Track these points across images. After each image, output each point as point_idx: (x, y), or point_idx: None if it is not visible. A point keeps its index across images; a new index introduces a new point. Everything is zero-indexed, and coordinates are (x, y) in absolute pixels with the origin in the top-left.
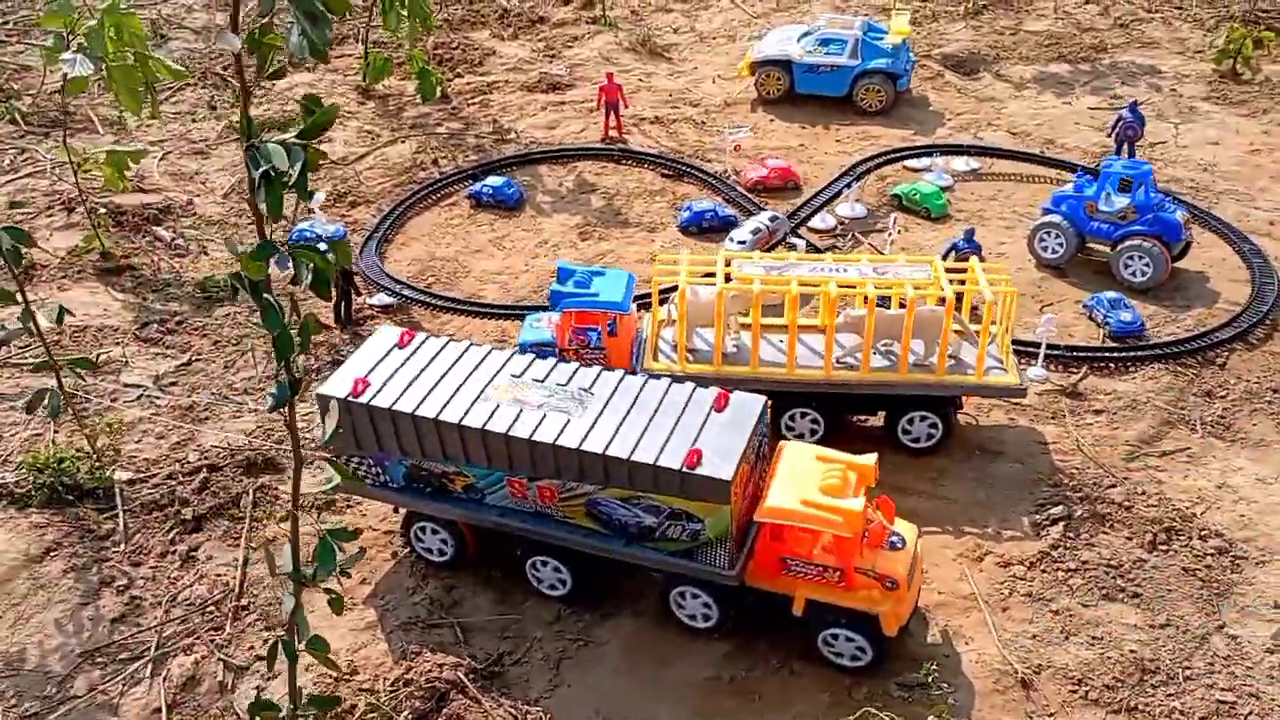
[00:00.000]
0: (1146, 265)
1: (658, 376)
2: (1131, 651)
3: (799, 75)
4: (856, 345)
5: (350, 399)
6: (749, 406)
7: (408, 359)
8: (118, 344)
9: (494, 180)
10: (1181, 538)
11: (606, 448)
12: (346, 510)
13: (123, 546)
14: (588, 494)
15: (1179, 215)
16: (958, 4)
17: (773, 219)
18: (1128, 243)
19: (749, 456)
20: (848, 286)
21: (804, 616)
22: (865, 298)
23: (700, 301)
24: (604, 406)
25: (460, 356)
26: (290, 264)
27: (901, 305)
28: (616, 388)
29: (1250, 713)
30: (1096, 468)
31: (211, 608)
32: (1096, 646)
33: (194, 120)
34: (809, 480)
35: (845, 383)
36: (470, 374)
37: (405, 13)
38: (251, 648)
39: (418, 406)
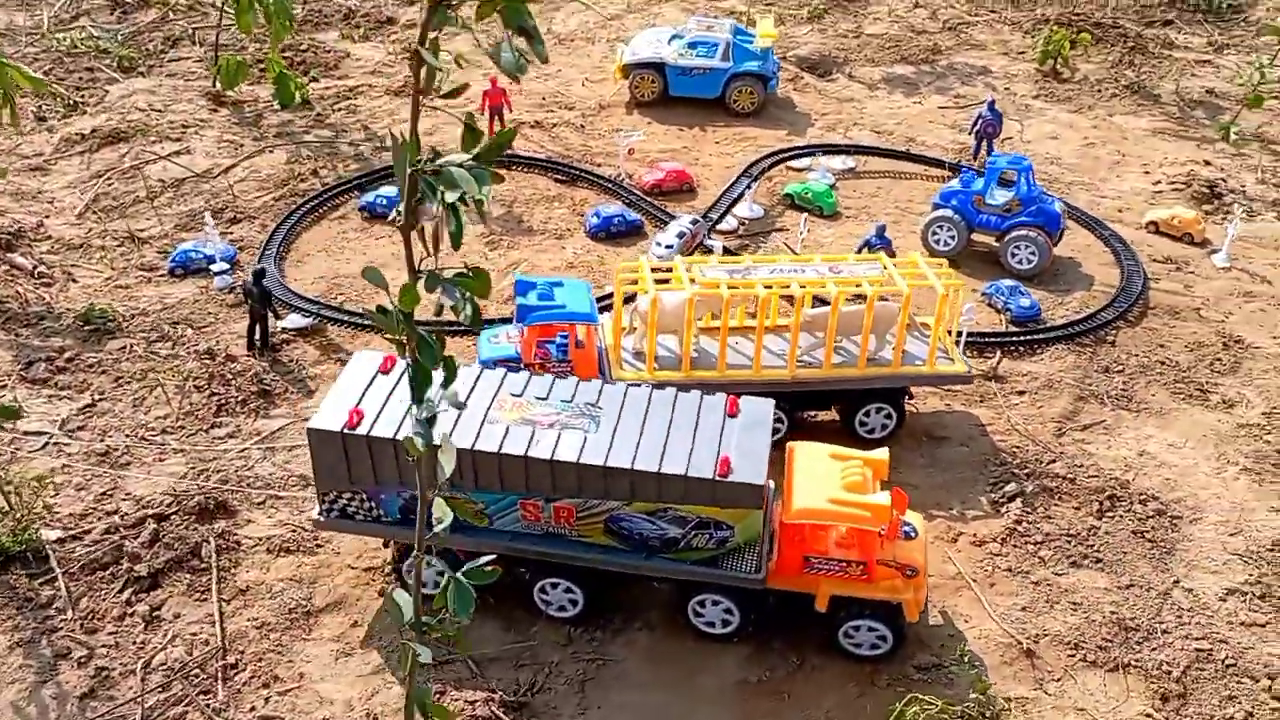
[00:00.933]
0: (1032, 253)
1: (638, 385)
2: (1111, 613)
3: (672, 78)
4: (814, 344)
5: (346, 431)
6: (761, 410)
7: (396, 385)
8: (1, 387)
9: (388, 190)
10: (1123, 504)
11: (633, 462)
12: (318, 549)
13: (70, 614)
14: (609, 510)
15: (1058, 206)
16: (799, 8)
17: (693, 222)
18: (1015, 233)
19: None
20: (814, 286)
21: (827, 612)
22: (820, 298)
23: (667, 308)
24: (617, 420)
25: (465, 379)
26: (455, 294)
27: (860, 300)
28: (624, 401)
29: (1225, 657)
30: (1035, 445)
31: (196, 670)
32: (1079, 612)
33: (21, 134)
34: (829, 479)
35: (809, 381)
36: (468, 396)
37: (267, 12)
38: (253, 708)
39: (430, 436)
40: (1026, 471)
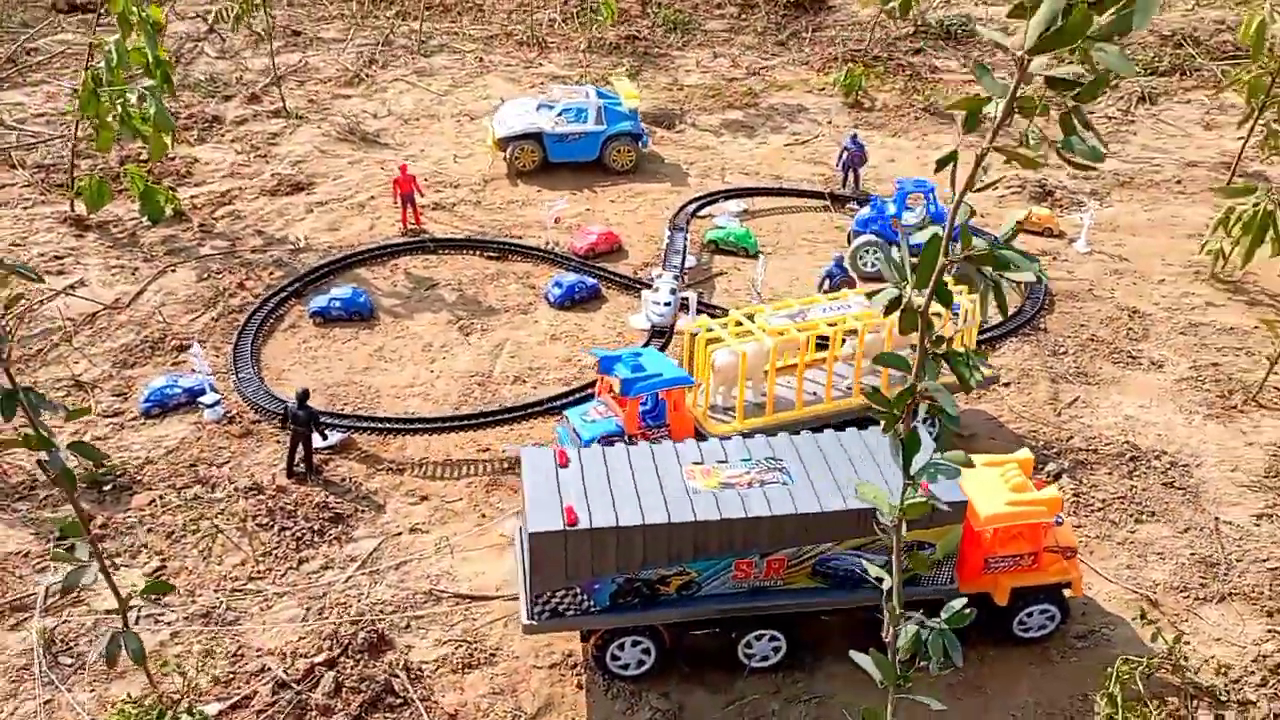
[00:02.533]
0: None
1: (747, 435)
2: (1191, 554)
3: (551, 145)
4: (867, 370)
5: (569, 529)
6: (922, 434)
7: (583, 475)
8: (42, 569)
9: (339, 291)
10: (1142, 463)
11: (845, 503)
12: (496, 658)
13: None
14: (820, 554)
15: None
16: (615, 67)
17: (675, 278)
18: None
19: None
20: (867, 319)
21: (1006, 605)
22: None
23: (734, 360)
24: (805, 469)
25: (631, 460)
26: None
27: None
28: (796, 450)
29: None
30: (1045, 426)
31: None
32: (1168, 559)
33: None
34: (995, 485)
35: (860, 408)
36: (658, 472)
37: (133, 128)
38: None
39: (644, 516)
40: (1054, 450)
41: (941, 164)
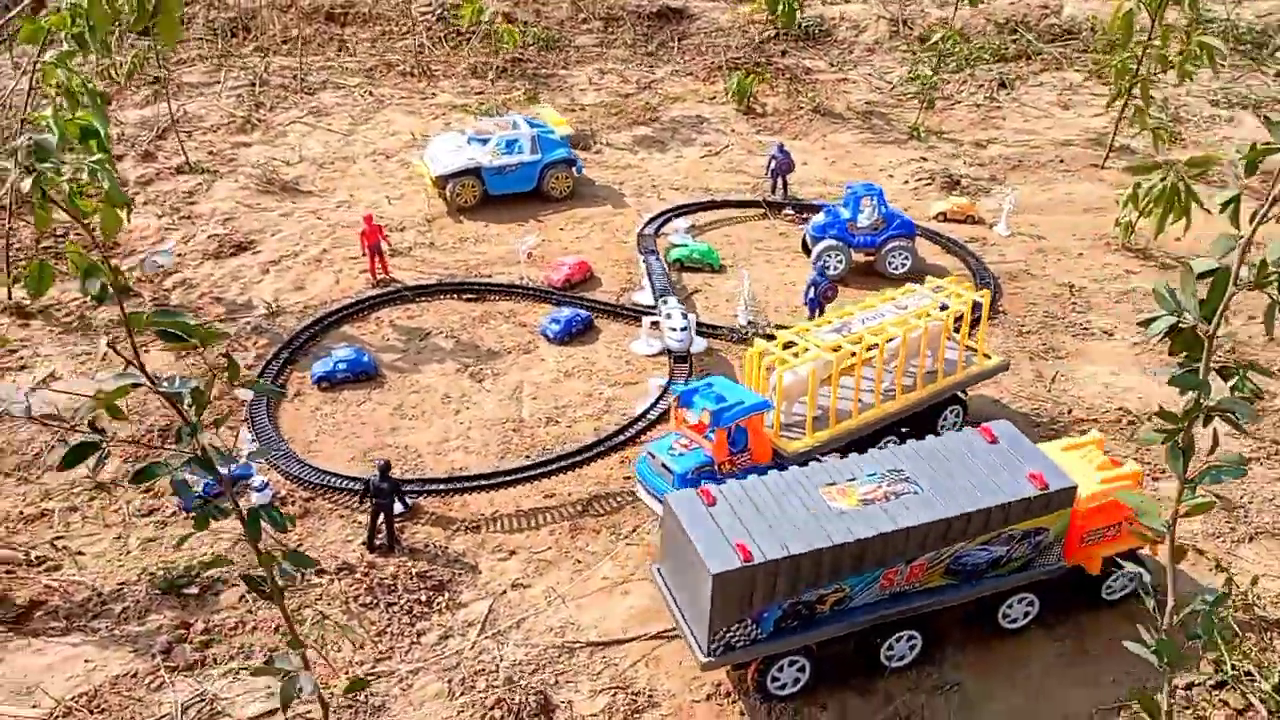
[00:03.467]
0: (906, 258)
1: (819, 448)
2: (1241, 497)
3: (490, 179)
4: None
5: (746, 566)
6: (1008, 430)
7: (735, 510)
8: (158, 687)
9: (342, 353)
10: (1139, 425)
11: (977, 503)
12: (654, 701)
13: None
14: (954, 552)
15: (907, 216)
16: (508, 91)
17: (681, 302)
18: (890, 245)
19: None
20: (901, 324)
21: (1099, 574)
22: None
23: (802, 377)
24: (929, 475)
25: (768, 489)
26: None
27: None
28: (913, 458)
29: None
30: (1048, 403)
31: None
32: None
33: None
34: (1083, 466)
35: (913, 403)
36: (800, 498)
37: (73, 206)
38: None
39: (810, 542)
40: (1065, 422)
41: (1225, 205)
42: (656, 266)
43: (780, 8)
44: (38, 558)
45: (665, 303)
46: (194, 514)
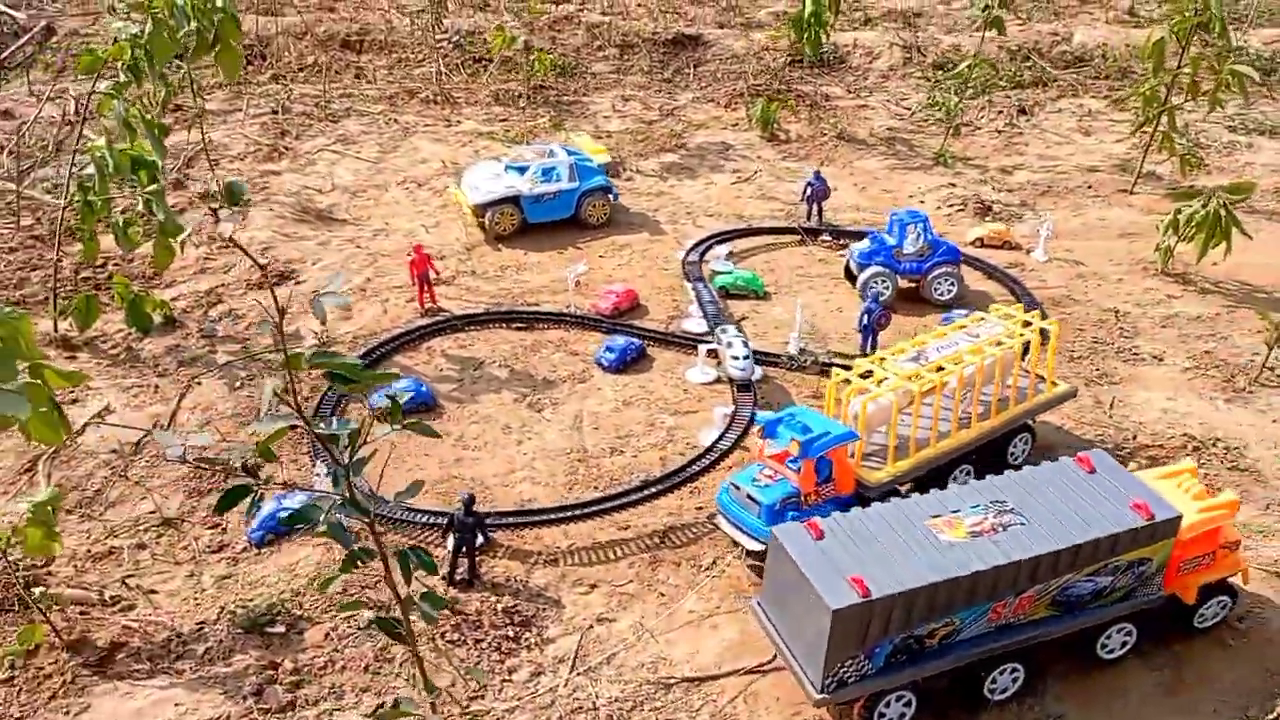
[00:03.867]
0: (952, 285)
1: (899, 478)
2: None
3: (528, 207)
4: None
5: (863, 601)
6: (1105, 459)
7: (845, 543)
8: None
9: (400, 385)
10: (1204, 450)
11: (1085, 535)
12: None
13: None
14: (1062, 584)
15: (952, 243)
16: (533, 119)
17: (739, 330)
18: (935, 272)
19: None
20: (975, 353)
21: (1195, 603)
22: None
23: (885, 406)
24: (1032, 506)
25: (874, 522)
26: None
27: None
28: (1013, 489)
29: None
30: (1108, 429)
31: None
32: (1269, 535)
33: None
34: (1179, 495)
35: (987, 432)
36: (907, 531)
37: (119, 236)
38: None
39: (924, 576)
40: (1130, 449)
41: None
42: (706, 294)
43: (807, 35)
44: (111, 598)
45: (724, 331)
46: (343, 555)
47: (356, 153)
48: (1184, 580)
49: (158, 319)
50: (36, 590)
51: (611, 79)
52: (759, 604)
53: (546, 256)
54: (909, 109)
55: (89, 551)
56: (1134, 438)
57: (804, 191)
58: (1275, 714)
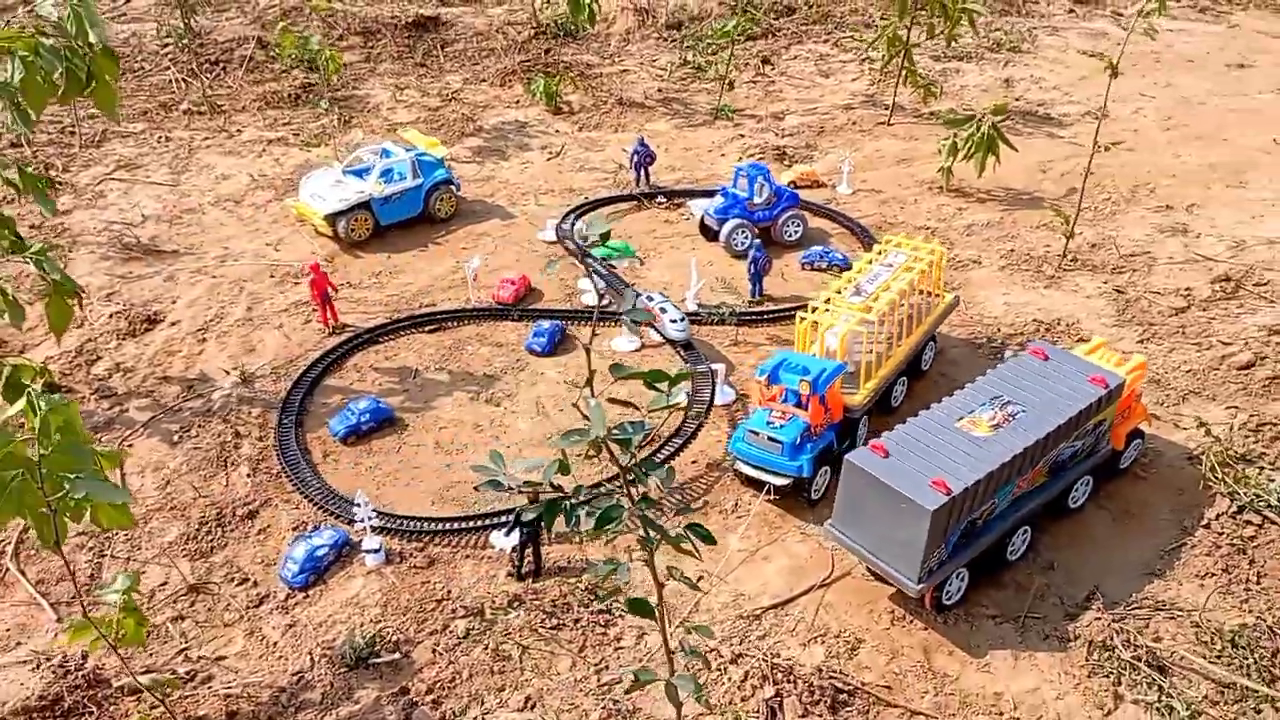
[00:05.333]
0: (798, 226)
1: (872, 398)
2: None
3: (379, 209)
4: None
5: (949, 498)
6: (1049, 347)
7: (908, 456)
8: None
9: (360, 405)
10: (1055, 330)
11: (1082, 403)
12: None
13: None
14: (1056, 453)
15: (792, 189)
16: (320, 117)
17: (649, 298)
18: (783, 216)
19: None
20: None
21: (1121, 448)
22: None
23: (855, 334)
24: (1022, 396)
25: (918, 433)
26: None
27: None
28: (1000, 385)
29: None
30: (980, 326)
31: None
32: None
33: None
34: (1106, 364)
35: (916, 345)
36: (946, 435)
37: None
38: None
39: (981, 469)
40: (1000, 339)
41: None
42: (600, 267)
43: (577, 6)
44: (187, 673)
45: (650, 299)
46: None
47: (146, 177)
48: (1118, 432)
49: (38, 389)
50: (145, 678)
51: (365, 69)
52: (833, 526)
53: (412, 257)
54: (663, 70)
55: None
56: (998, 330)
57: (631, 158)
58: (1204, 520)
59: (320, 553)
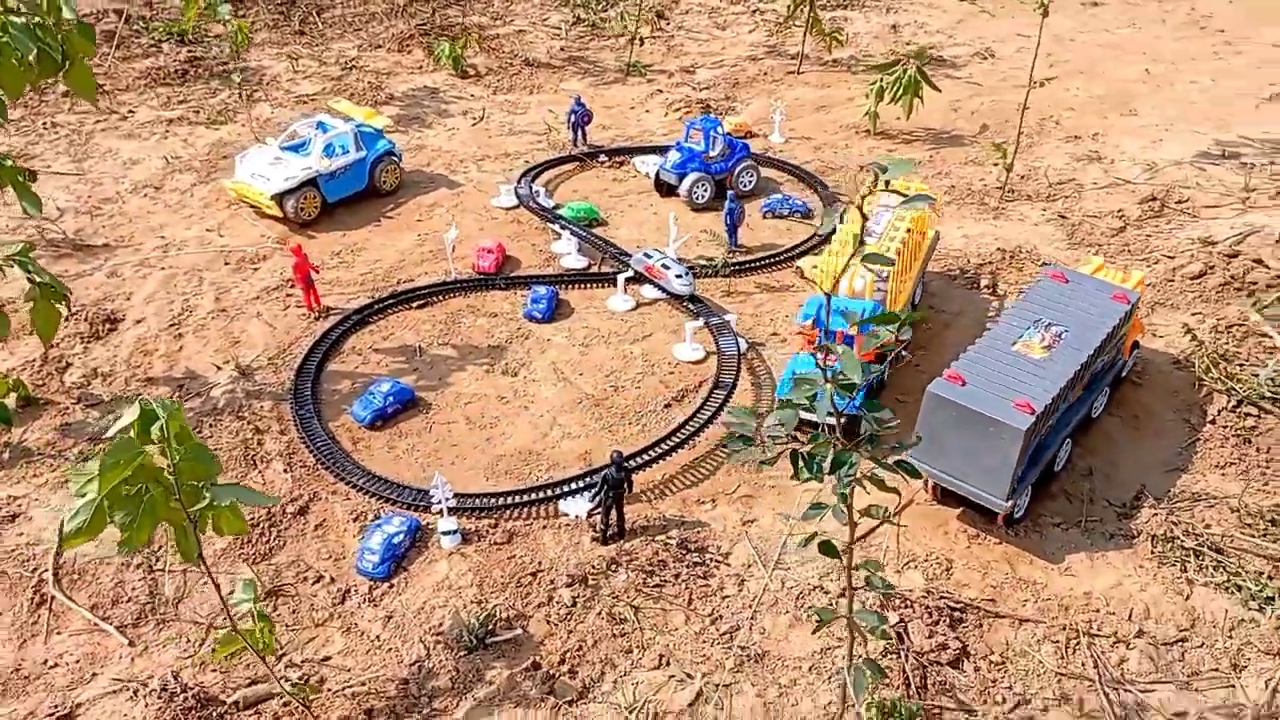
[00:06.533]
0: (752, 175)
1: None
2: None
3: (325, 186)
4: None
5: (1034, 416)
6: (1066, 270)
7: (983, 382)
8: None
9: (383, 388)
10: (1018, 258)
11: (1107, 326)
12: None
13: None
14: (1094, 367)
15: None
16: (214, 94)
17: (647, 255)
18: (739, 167)
19: None
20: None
21: (1126, 357)
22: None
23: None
24: (1060, 317)
25: (983, 359)
26: None
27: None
28: (1038, 309)
29: None
30: (959, 259)
31: None
32: None
33: None
34: (1115, 281)
35: (918, 280)
36: (1008, 359)
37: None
38: None
39: (1049, 388)
40: (973, 270)
41: None
42: (575, 229)
43: None
44: (300, 678)
45: (649, 256)
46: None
47: (47, 167)
48: (1125, 345)
49: (11, 403)
50: (288, 680)
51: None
52: (910, 458)
53: (368, 233)
54: (558, 29)
55: (214, 650)
56: (968, 261)
57: (568, 118)
58: (1209, 417)
59: (397, 540)
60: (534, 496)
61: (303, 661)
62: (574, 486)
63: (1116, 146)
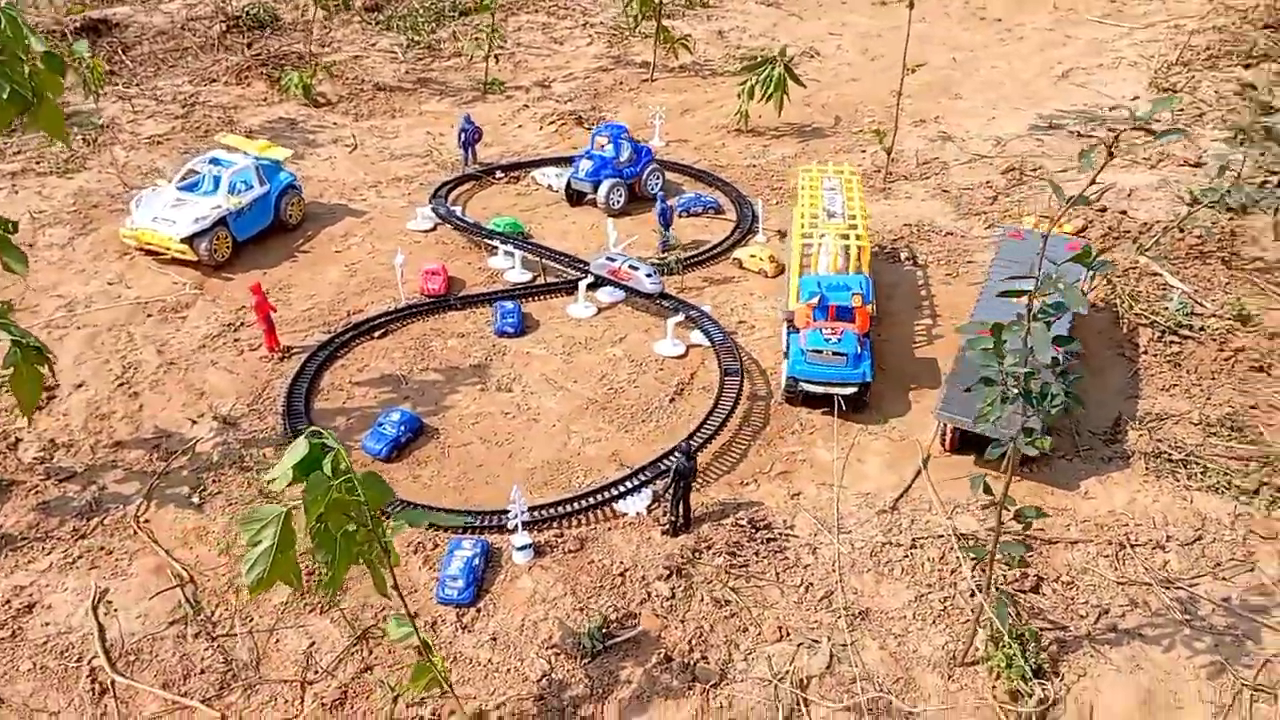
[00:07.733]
0: (659, 178)
1: None
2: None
3: (234, 225)
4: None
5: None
6: (1021, 229)
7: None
8: None
9: (392, 418)
10: (927, 231)
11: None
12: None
13: None
14: None
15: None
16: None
17: (610, 259)
18: (646, 171)
19: None
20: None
21: None
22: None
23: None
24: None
25: (995, 308)
26: None
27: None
28: (1014, 262)
29: None
30: (879, 233)
31: None
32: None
33: None
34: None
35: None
36: (1010, 303)
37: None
38: None
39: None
40: (890, 244)
41: None
42: (520, 243)
43: None
44: (433, 712)
45: (613, 260)
46: None
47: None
48: None
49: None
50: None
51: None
52: (944, 413)
53: (288, 270)
54: (393, 52)
55: (338, 698)
56: (884, 236)
57: (459, 137)
58: (1141, 349)
59: (475, 563)
60: (606, 495)
61: (423, 699)
62: (643, 478)
63: (960, 126)
